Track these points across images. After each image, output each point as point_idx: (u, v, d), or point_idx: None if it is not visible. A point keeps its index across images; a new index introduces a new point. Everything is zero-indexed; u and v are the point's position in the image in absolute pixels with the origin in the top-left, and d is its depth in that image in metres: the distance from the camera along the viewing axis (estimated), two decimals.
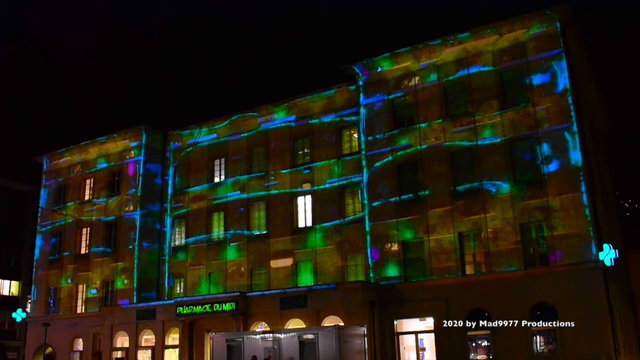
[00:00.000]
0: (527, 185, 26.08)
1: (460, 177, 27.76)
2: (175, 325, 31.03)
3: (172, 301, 31.77)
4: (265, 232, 33.49)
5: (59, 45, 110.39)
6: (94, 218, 39.44)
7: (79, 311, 38.55)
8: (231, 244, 34.42)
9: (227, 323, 29.15)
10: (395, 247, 28.49)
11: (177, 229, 37.47)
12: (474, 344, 26.21)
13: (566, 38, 26.74)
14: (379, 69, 30.76)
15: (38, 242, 42.22)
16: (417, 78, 29.74)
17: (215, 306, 29.39)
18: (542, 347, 24.95)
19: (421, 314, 27.32)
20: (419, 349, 27.37)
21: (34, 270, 41.98)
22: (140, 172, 37.89)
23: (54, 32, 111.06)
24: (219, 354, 26.58)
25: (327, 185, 32.07)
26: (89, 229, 39.68)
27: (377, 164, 29.80)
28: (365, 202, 29.85)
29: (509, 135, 26.85)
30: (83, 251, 39.59)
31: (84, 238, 39.94)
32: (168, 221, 37.67)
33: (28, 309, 44.67)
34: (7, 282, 56.94)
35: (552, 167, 25.64)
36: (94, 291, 37.94)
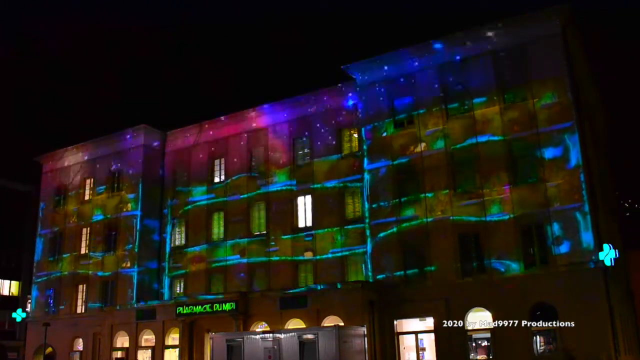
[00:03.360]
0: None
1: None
2: (175, 325, 31.01)
3: (172, 301, 31.79)
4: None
5: (59, 45, 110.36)
6: (93, 218, 39.34)
7: (79, 311, 38.57)
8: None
9: (227, 323, 29.14)
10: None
11: (177, 230, 37.40)
12: (474, 344, 26.22)
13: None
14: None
15: (38, 242, 42.14)
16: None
17: (215, 306, 29.39)
18: (542, 347, 24.95)
19: (421, 314, 27.29)
20: (419, 349, 27.37)
21: (34, 270, 41.92)
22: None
23: (54, 32, 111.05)
24: (219, 354, 26.58)
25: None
26: (88, 229, 39.61)
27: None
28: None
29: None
30: (83, 251, 39.58)
31: (84, 238, 39.92)
32: (168, 228, 37.56)
33: (28, 309, 44.65)
34: (7, 282, 56.95)
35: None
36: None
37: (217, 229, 35.44)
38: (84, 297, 38.66)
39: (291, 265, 32.19)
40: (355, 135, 32.08)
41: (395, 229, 28.47)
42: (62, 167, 42.20)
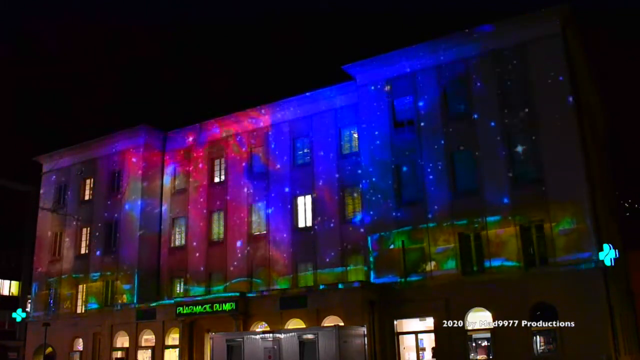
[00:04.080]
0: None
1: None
2: (175, 325, 31.01)
3: (172, 301, 31.79)
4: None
5: (59, 45, 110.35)
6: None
7: (79, 311, 38.56)
8: None
9: (227, 323, 29.15)
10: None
11: None
12: (474, 344, 26.23)
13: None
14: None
15: (38, 242, 42.08)
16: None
17: (215, 306, 29.39)
18: (542, 347, 24.96)
19: (421, 314, 27.31)
20: (419, 349, 27.39)
21: (34, 270, 41.87)
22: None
23: (54, 32, 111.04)
24: (219, 354, 26.58)
25: None
26: (88, 229, 39.65)
27: None
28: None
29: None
30: (83, 251, 39.58)
31: (84, 238, 39.93)
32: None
33: (28, 309, 44.64)
34: (7, 282, 56.95)
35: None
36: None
37: None
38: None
39: None
40: (355, 135, 32.08)
41: None
42: (61, 168, 42.16)
